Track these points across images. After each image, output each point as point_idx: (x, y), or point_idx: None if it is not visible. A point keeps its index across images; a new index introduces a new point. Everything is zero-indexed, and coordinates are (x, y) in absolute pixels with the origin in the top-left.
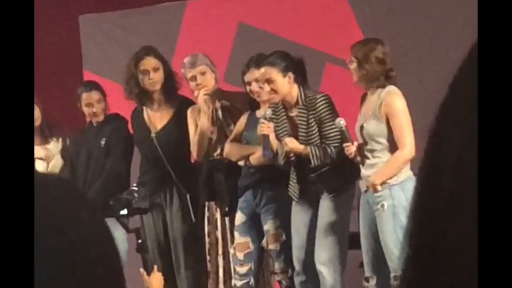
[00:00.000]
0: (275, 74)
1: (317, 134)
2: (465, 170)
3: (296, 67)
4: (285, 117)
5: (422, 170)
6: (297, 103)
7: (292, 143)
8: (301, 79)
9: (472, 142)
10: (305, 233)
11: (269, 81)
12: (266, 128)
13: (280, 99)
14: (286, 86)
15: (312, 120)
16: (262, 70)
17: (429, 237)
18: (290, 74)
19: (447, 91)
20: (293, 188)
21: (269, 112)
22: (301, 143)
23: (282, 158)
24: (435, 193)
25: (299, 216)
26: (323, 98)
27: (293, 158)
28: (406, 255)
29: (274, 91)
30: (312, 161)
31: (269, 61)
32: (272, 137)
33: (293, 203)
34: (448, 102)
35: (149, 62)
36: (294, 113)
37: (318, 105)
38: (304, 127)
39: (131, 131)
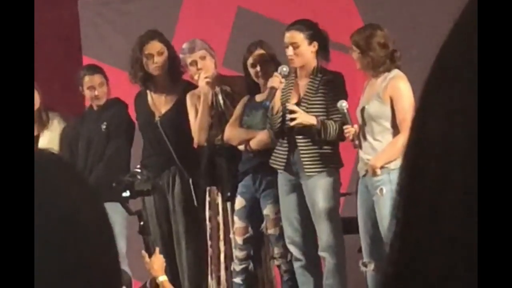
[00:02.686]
0: (301, 39)
1: (321, 108)
2: (452, 146)
3: (321, 40)
4: (292, 84)
5: (408, 148)
6: (311, 74)
7: (303, 116)
8: (322, 53)
9: (458, 118)
10: (296, 217)
11: (294, 45)
12: (277, 81)
13: (300, 65)
14: (309, 54)
15: (321, 94)
16: (288, 34)
17: (417, 217)
18: (315, 44)
19: (430, 69)
20: (279, 156)
21: (285, 69)
22: None
23: (278, 121)
24: (422, 169)
25: (286, 198)
26: (338, 75)
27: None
28: (393, 233)
29: (296, 55)
30: (322, 134)
31: (296, 26)
32: (278, 95)
33: (280, 185)
34: (431, 79)
35: (154, 46)
36: (303, 82)
37: (331, 81)
38: (310, 97)
39: (132, 115)
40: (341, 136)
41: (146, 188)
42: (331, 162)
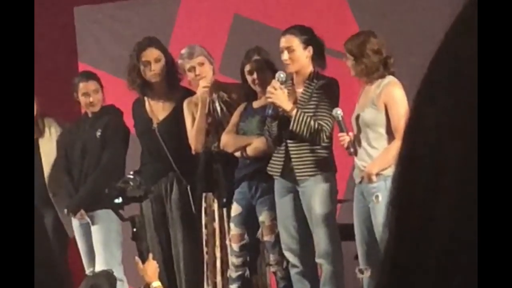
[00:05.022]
0: (296, 44)
1: (313, 114)
2: (445, 156)
3: (316, 45)
4: (290, 91)
5: (400, 157)
6: (307, 79)
7: (280, 96)
8: (318, 59)
9: (452, 127)
10: (293, 224)
11: (289, 49)
12: (273, 97)
13: (296, 70)
14: (304, 58)
15: (314, 99)
16: (283, 38)
17: (409, 227)
18: (310, 49)
19: (423, 77)
20: (276, 163)
21: (283, 75)
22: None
23: (276, 128)
24: (414, 179)
25: (283, 205)
26: (332, 81)
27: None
28: (386, 243)
29: (292, 60)
30: (291, 124)
31: (291, 31)
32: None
33: (276, 192)
34: (424, 87)
35: (151, 53)
36: (300, 89)
37: (325, 86)
38: (303, 103)
39: (127, 122)
40: (315, 137)
41: (139, 194)
42: (323, 167)
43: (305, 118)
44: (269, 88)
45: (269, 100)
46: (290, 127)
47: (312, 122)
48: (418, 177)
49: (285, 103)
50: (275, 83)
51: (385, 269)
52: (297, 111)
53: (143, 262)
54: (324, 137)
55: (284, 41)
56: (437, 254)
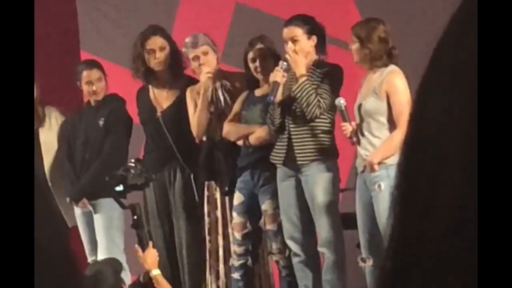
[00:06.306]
0: (300, 34)
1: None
2: (449, 142)
3: (319, 34)
4: (293, 79)
5: (405, 143)
6: (312, 66)
7: (299, 60)
8: (319, 46)
9: (455, 114)
10: (296, 212)
11: (293, 40)
12: (280, 76)
13: (300, 62)
14: (309, 48)
15: (316, 85)
16: (287, 29)
17: (414, 211)
18: (314, 38)
19: (427, 64)
20: (279, 151)
21: (285, 64)
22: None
23: (279, 116)
24: (419, 165)
25: (286, 194)
26: (336, 67)
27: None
28: (391, 227)
29: (296, 51)
30: (295, 88)
31: (294, 22)
32: (281, 90)
33: (279, 181)
34: (428, 74)
35: (155, 42)
36: (303, 78)
37: (327, 73)
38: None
39: (130, 110)
40: (310, 110)
41: (140, 182)
42: (325, 153)
43: (309, 88)
44: (289, 52)
45: (290, 58)
46: (293, 90)
47: (313, 95)
48: (422, 163)
49: (300, 68)
50: (278, 70)
51: (389, 254)
52: (306, 79)
53: (143, 250)
54: (318, 113)
55: (287, 32)
56: (440, 238)
